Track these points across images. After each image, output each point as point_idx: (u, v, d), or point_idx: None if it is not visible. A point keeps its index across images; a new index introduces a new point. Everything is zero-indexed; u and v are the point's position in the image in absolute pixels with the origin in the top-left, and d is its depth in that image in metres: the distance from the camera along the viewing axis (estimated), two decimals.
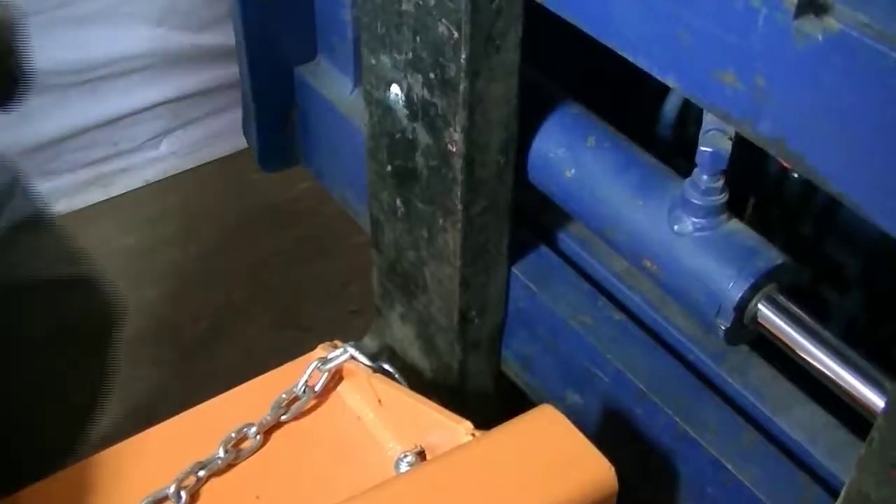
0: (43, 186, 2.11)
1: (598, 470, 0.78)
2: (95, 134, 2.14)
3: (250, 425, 0.89)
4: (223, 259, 2.13)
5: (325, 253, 2.10)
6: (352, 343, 0.99)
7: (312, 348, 0.96)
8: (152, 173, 2.28)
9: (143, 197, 2.25)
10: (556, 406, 0.83)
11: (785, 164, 0.67)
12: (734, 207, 0.86)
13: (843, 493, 0.64)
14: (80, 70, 2.01)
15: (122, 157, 2.22)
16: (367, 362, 0.93)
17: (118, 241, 2.07)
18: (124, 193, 2.24)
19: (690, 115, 1.05)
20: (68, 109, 2.06)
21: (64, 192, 2.12)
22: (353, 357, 0.94)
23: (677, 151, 1.02)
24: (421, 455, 0.85)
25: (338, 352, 0.95)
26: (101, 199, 2.19)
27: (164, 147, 2.28)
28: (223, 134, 2.22)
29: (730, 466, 0.85)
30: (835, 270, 1.04)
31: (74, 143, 2.11)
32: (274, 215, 2.15)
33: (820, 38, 0.59)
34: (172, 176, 2.30)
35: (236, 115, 1.43)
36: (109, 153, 2.20)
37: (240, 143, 1.51)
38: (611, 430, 0.96)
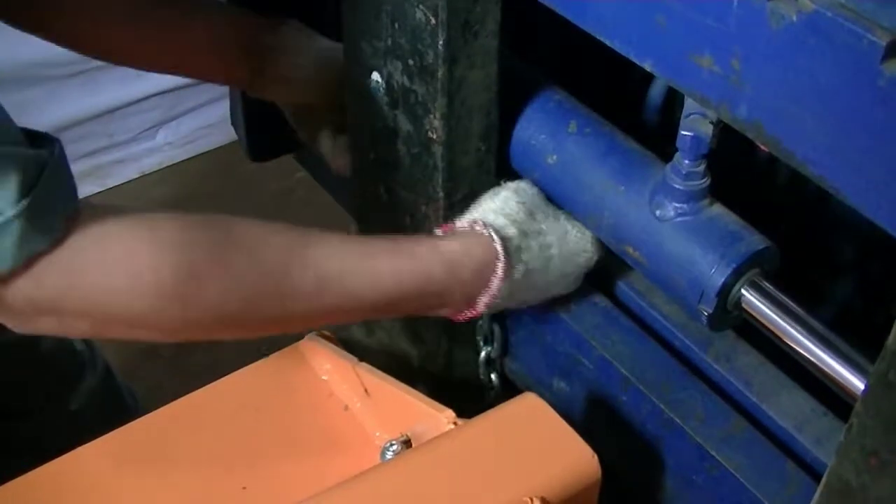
0: None
1: (580, 458, 0.78)
2: (90, 125, 2.14)
3: None
4: None
5: None
6: (340, 333, 1.00)
7: (301, 337, 0.96)
8: (148, 164, 2.28)
9: (139, 188, 2.25)
10: (542, 394, 0.82)
11: (763, 148, 0.67)
12: (725, 192, 0.85)
13: (823, 480, 0.64)
14: (74, 61, 2.01)
15: (117, 148, 2.22)
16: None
17: None
18: (120, 185, 2.24)
19: (678, 100, 1.04)
20: (63, 101, 2.06)
21: None
22: (340, 346, 0.94)
23: (667, 137, 1.01)
24: (407, 444, 0.85)
25: (326, 342, 0.96)
26: (97, 190, 2.19)
27: (160, 138, 2.27)
28: (219, 124, 2.22)
29: (715, 453, 0.85)
30: (828, 254, 1.03)
31: (69, 135, 2.10)
32: (269, 205, 2.14)
33: (794, 18, 0.58)
34: (169, 166, 2.29)
35: None
36: (105, 144, 2.19)
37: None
38: (596, 418, 0.96)
